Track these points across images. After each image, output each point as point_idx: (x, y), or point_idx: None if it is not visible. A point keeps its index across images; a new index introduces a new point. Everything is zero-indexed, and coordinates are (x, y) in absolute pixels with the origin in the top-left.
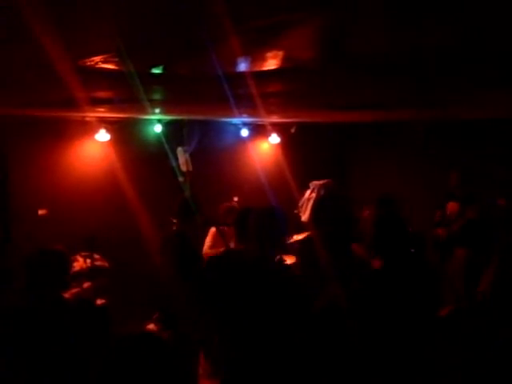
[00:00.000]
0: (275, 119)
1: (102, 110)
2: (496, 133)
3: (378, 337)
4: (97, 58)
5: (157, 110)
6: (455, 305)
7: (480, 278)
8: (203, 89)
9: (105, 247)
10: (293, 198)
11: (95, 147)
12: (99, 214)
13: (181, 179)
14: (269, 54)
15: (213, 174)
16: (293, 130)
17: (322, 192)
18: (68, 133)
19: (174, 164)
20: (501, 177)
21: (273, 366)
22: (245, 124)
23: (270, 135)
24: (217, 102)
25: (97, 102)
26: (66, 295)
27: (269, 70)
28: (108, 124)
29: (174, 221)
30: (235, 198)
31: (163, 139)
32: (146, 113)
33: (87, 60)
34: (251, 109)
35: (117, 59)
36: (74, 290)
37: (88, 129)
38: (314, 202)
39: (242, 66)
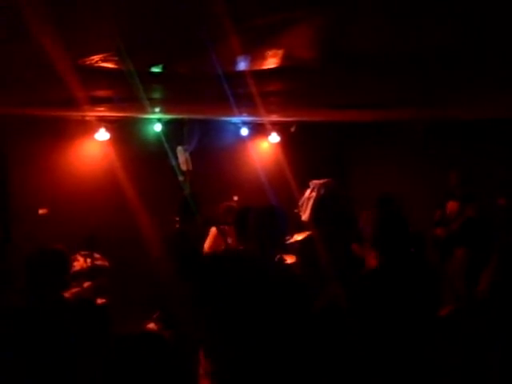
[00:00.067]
0: (275, 118)
1: (101, 109)
2: (496, 133)
3: (378, 337)
4: (96, 57)
5: (156, 109)
6: (455, 305)
7: (480, 277)
8: (203, 88)
9: (105, 246)
10: (293, 197)
11: (95, 146)
12: (99, 214)
13: (181, 178)
14: (268, 53)
15: (213, 173)
16: (293, 129)
17: (322, 191)
18: (68, 132)
19: (173, 163)
20: (501, 176)
21: (273, 366)
22: (244, 123)
23: (269, 134)
24: (217, 101)
25: (96, 101)
26: (67, 295)
27: (268, 69)
28: (108, 123)
29: (176, 219)
30: (235, 197)
31: (163, 138)
32: (146, 112)
33: (87, 59)
34: (251, 108)
35: (116, 58)
36: (75, 290)
37: (88, 128)
38: (314, 201)
39: (242, 65)
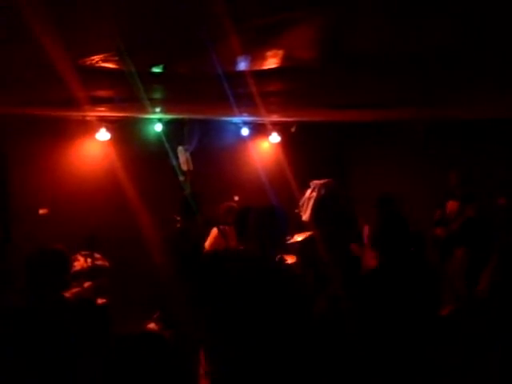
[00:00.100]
0: (275, 118)
1: (102, 109)
2: (496, 133)
3: (378, 337)
4: (97, 57)
5: (157, 109)
6: (455, 305)
7: (480, 277)
8: (203, 88)
9: (105, 246)
10: (293, 197)
11: (95, 146)
12: (100, 214)
13: (181, 178)
14: (269, 53)
15: (213, 173)
16: (293, 129)
17: (323, 191)
18: (68, 132)
19: (174, 163)
20: (501, 176)
21: (273, 366)
22: (245, 123)
23: (270, 134)
24: (217, 101)
25: (97, 101)
26: (67, 295)
27: (269, 69)
28: (108, 123)
29: (178, 218)
30: (236, 197)
31: (164, 138)
32: (147, 112)
33: (87, 59)
34: (251, 108)
35: (117, 58)
36: (75, 290)
37: (88, 128)
38: (315, 201)
39: (242, 65)
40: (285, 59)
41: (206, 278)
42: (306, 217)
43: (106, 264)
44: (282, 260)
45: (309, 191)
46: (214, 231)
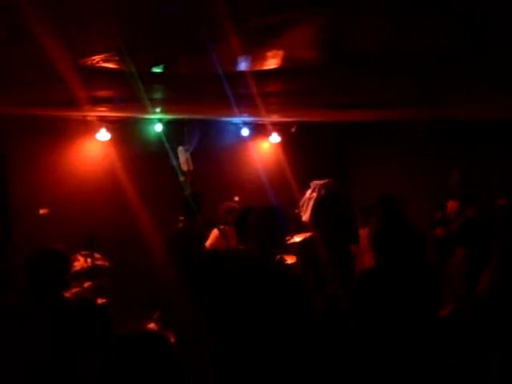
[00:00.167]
0: (276, 119)
1: (102, 109)
2: (496, 133)
3: (377, 337)
4: (97, 57)
5: (157, 110)
6: (455, 305)
7: (480, 277)
8: (204, 88)
9: (105, 246)
10: (294, 198)
11: (96, 146)
12: (100, 214)
13: (181, 178)
14: (269, 54)
15: (213, 173)
16: (293, 130)
17: (323, 192)
18: (69, 132)
19: (174, 163)
20: (501, 177)
21: (272, 366)
22: (245, 123)
23: (270, 134)
24: (217, 102)
25: (97, 101)
26: (67, 295)
27: (269, 70)
28: (109, 123)
29: (181, 218)
30: (236, 198)
31: (164, 138)
32: (147, 112)
33: (88, 59)
34: (252, 108)
35: (117, 58)
36: (75, 290)
37: (89, 128)
38: (315, 201)
39: (243, 66)
40: (285, 59)
41: (206, 277)
42: (306, 217)
43: (106, 264)
44: (281, 260)
45: (309, 191)
46: (215, 232)
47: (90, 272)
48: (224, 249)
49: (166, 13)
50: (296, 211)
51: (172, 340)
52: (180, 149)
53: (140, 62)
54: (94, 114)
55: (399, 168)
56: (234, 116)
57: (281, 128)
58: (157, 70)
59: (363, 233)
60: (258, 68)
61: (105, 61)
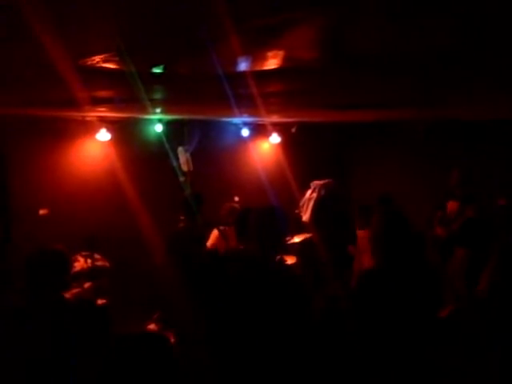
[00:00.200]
0: (276, 119)
1: (102, 109)
2: (496, 133)
3: (378, 337)
4: (97, 58)
5: (157, 110)
6: (455, 305)
7: (480, 277)
8: (204, 88)
9: (105, 247)
10: (294, 198)
11: (96, 147)
12: (100, 214)
13: (181, 179)
14: (269, 54)
15: (213, 173)
16: (293, 130)
17: (323, 192)
18: (69, 132)
19: (174, 164)
20: (501, 177)
21: (273, 366)
22: (245, 124)
23: (270, 135)
24: (217, 102)
25: (97, 102)
26: (67, 295)
27: (269, 70)
28: (109, 123)
29: (182, 218)
30: (236, 198)
31: (164, 139)
32: (147, 112)
33: (88, 59)
34: (252, 108)
35: (117, 58)
36: (75, 290)
37: (89, 128)
38: (315, 202)
39: (243, 66)
40: (285, 60)
41: (206, 277)
42: (306, 217)
43: (106, 264)
44: (281, 260)
45: (309, 192)
46: (215, 232)
47: (90, 272)
48: (224, 249)
49: (166, 13)
50: (296, 211)
51: (172, 340)
52: (180, 149)
53: (140, 63)
54: (94, 114)
55: (399, 168)
56: (235, 116)
57: (281, 128)
58: (157, 70)
59: (361, 233)
60: (258, 68)
61: (105, 61)
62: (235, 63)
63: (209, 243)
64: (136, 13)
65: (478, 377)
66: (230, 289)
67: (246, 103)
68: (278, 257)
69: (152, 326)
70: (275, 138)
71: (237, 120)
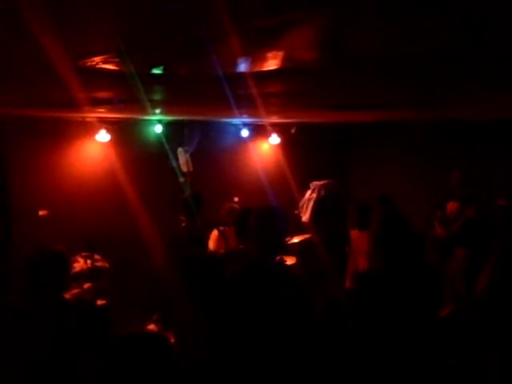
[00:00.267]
0: (275, 120)
1: (102, 110)
2: (496, 133)
3: (378, 337)
4: (97, 59)
5: (157, 111)
6: (455, 305)
7: (479, 277)
8: (203, 89)
9: (105, 248)
10: (293, 199)
11: (95, 148)
12: (100, 215)
13: (181, 180)
14: (269, 55)
15: (213, 174)
16: (293, 131)
17: (323, 193)
18: (68, 133)
19: (174, 164)
20: (501, 177)
21: (273, 366)
22: (245, 124)
23: (270, 136)
24: (217, 103)
25: (97, 103)
26: (67, 296)
27: (269, 71)
28: (108, 124)
29: (183, 218)
30: (236, 199)
31: (163, 140)
32: (147, 113)
33: (87, 60)
34: (251, 109)
35: (117, 59)
36: (75, 291)
37: (88, 129)
38: (315, 202)
39: (243, 67)
40: (285, 60)
41: (206, 278)
42: (305, 218)
43: (106, 265)
44: (281, 261)
45: (309, 192)
46: (215, 233)
47: (89, 273)
48: (223, 250)
49: (166, 14)
50: (296, 212)
51: (172, 340)
52: (180, 150)
53: (140, 63)
54: (93, 115)
55: (399, 168)
56: (234, 117)
57: (281, 129)
58: (157, 71)
59: (354, 233)
60: (258, 69)
61: (104, 62)
62: (235, 64)
63: (209, 244)
64: (136, 14)
65: (478, 377)
66: (229, 289)
67: (246, 104)
68: (278, 257)
69: (152, 327)
70: (275, 139)
71: (236, 121)
